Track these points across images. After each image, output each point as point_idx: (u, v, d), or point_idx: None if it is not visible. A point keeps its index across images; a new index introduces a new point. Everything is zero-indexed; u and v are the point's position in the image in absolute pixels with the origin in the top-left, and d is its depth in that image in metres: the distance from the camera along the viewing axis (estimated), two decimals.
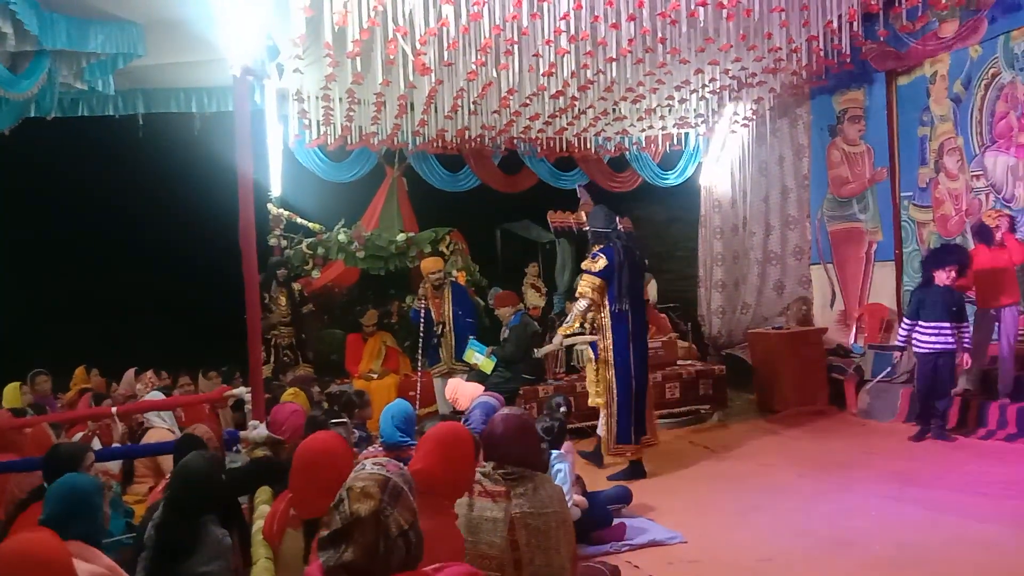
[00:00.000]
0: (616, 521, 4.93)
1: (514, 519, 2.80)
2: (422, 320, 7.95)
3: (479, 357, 7.66)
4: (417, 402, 7.69)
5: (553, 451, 4.64)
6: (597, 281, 6.25)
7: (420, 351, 8.02)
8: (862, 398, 8.07)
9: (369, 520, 1.85)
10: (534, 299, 10.51)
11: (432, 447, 2.73)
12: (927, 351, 6.69)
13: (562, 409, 5.46)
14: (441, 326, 7.88)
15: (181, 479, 3.26)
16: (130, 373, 7.89)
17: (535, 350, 7.25)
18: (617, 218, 6.72)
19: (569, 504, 4.07)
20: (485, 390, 5.20)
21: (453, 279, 8.50)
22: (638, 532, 4.88)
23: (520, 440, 2.98)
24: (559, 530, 2.88)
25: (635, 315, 6.31)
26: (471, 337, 7.78)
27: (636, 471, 6.23)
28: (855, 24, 6.74)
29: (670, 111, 9.17)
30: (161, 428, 6.02)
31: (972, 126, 7.60)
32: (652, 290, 9.63)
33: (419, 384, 7.98)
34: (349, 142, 9.02)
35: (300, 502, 2.89)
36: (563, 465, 4.59)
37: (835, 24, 6.52)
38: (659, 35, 6.15)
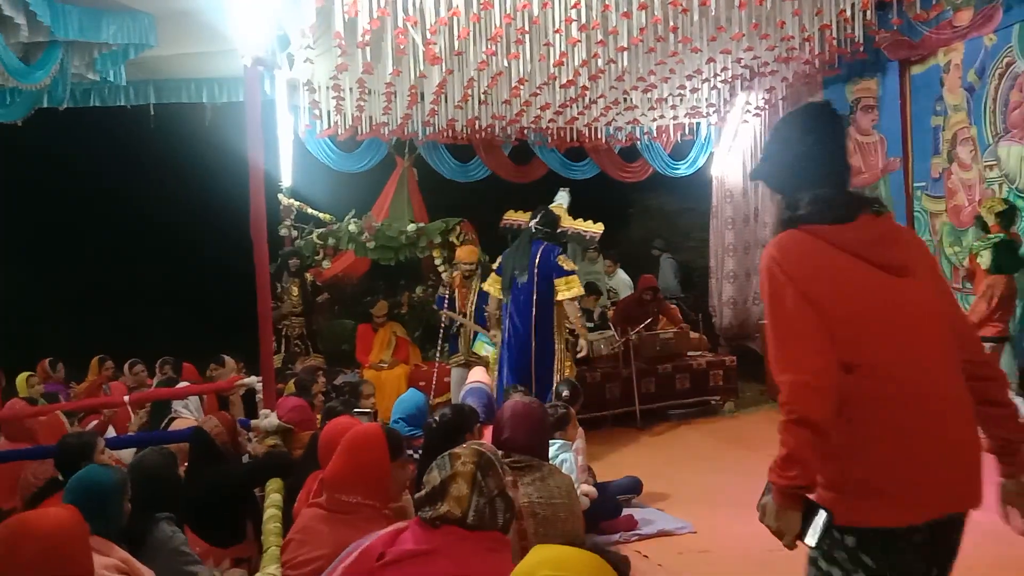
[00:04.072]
0: (625, 511, 4.94)
1: (522, 508, 2.80)
2: (445, 308, 7.98)
3: (489, 349, 7.69)
4: (432, 391, 7.71)
5: (555, 441, 4.61)
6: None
7: (440, 339, 8.05)
8: None
9: (466, 476, 2.09)
10: None
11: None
12: None
13: (564, 394, 5.41)
14: (462, 316, 7.91)
15: (134, 476, 3.27)
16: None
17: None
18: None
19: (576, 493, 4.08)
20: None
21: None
22: (647, 522, 4.89)
23: (526, 428, 2.98)
24: (568, 520, 2.88)
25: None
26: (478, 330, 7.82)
27: None
28: (868, 13, 6.68)
29: (681, 100, 9.11)
30: (188, 419, 6.02)
31: (986, 116, 7.52)
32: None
33: (435, 373, 7.98)
34: (359, 132, 9.01)
35: (333, 480, 2.94)
36: (567, 455, 4.57)
37: (848, 13, 6.46)
38: (671, 24, 6.12)
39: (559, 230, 6.95)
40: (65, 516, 2.24)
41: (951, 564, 2.01)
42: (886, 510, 1.88)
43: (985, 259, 6.35)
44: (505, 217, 7.53)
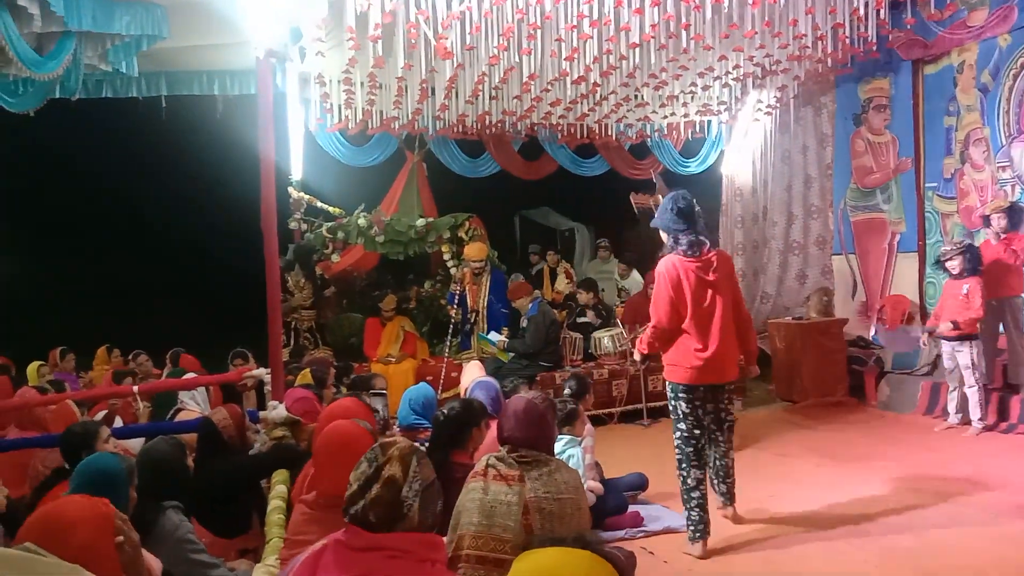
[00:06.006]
0: (631, 508, 4.93)
1: (528, 503, 2.80)
2: (456, 304, 7.98)
3: (493, 348, 7.71)
4: (440, 386, 7.72)
5: (563, 436, 4.63)
6: None
7: (450, 334, 8.06)
8: (882, 389, 8.02)
9: (400, 459, 2.07)
10: (561, 285, 10.54)
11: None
12: None
13: (566, 391, 5.41)
14: (474, 314, 7.91)
15: (143, 464, 3.28)
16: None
17: None
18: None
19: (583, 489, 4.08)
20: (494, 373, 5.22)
21: (496, 268, 8.52)
22: (653, 519, 4.88)
23: (528, 424, 2.98)
24: (574, 516, 2.87)
25: None
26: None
27: None
28: (882, 11, 6.64)
29: (693, 98, 9.09)
30: (194, 411, 6.03)
31: (999, 116, 7.48)
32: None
33: (443, 368, 7.98)
34: (370, 126, 9.02)
35: (321, 480, 2.97)
36: (575, 450, 4.58)
37: (862, 11, 6.43)
38: (683, 21, 6.10)
39: None
40: (102, 503, 2.32)
41: (721, 406, 4.49)
42: (682, 376, 4.41)
43: (956, 264, 6.75)
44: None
